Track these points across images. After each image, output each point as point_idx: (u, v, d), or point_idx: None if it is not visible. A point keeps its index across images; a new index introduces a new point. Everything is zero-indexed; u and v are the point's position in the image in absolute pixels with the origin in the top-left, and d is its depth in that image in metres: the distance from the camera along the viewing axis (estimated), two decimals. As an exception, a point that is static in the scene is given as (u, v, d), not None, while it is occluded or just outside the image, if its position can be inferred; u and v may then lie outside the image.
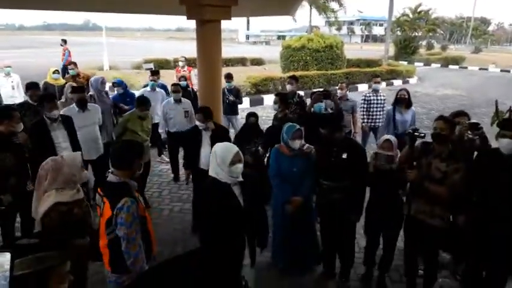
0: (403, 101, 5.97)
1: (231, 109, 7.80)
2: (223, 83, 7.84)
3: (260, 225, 3.13)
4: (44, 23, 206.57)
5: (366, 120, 7.01)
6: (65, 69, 14.96)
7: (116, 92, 6.92)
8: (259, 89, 13.92)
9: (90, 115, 5.24)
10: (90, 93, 6.07)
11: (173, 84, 6.69)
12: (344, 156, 3.73)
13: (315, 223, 4.18)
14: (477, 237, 3.37)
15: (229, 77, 7.78)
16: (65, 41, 15.58)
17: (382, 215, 3.69)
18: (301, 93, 15.33)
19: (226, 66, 22.07)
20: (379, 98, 6.91)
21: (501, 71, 28.31)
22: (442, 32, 55.98)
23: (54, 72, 7.72)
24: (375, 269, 4.04)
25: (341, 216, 3.77)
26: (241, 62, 24.92)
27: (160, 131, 6.64)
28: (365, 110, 6.96)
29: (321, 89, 6.26)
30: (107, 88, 6.44)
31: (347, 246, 3.97)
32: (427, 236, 3.48)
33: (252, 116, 5.17)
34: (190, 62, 10.27)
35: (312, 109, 5.61)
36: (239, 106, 8.13)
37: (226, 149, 2.81)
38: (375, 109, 6.91)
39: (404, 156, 3.52)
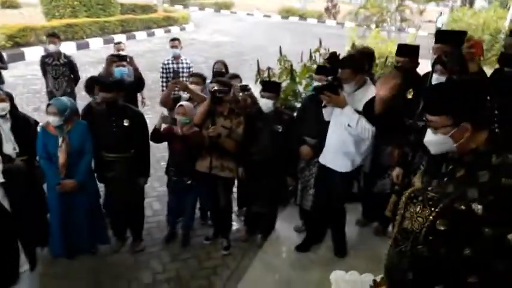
0: (221, 75, 5.11)
1: None
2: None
3: (35, 224, 2.76)
4: None
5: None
6: None
7: None
8: (17, 41, 11.70)
9: None
10: None
11: None
12: (126, 123, 3.64)
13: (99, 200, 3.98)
14: (251, 183, 3.88)
15: None
16: None
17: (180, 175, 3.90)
18: (72, 48, 13.69)
19: (-33, 10, 17.65)
20: (181, 65, 5.87)
21: (264, 16, 31.76)
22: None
23: None
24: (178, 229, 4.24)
25: (128, 185, 3.76)
26: (-12, 4, 20.28)
27: None
28: (165, 80, 5.92)
29: (117, 53, 5.02)
30: None
31: (137, 210, 4.01)
32: (220, 187, 3.90)
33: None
34: None
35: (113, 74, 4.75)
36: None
37: None
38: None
39: (201, 114, 3.68)
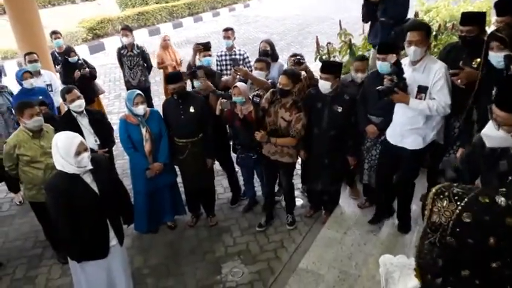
0: (265, 55, 4.86)
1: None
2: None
3: (123, 204, 3.17)
4: None
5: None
6: None
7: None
8: (96, 33, 12.67)
9: None
10: None
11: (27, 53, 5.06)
12: (192, 110, 3.94)
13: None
14: (314, 163, 3.98)
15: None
16: None
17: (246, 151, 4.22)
18: (144, 34, 14.34)
19: (52, 6, 19.32)
20: (234, 56, 5.45)
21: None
22: None
23: None
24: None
25: (201, 164, 4.10)
26: (69, -1, 21.92)
27: None
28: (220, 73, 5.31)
29: (202, 42, 5.00)
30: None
31: (209, 187, 4.40)
32: (281, 171, 4.12)
33: None
34: None
35: (200, 63, 4.96)
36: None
37: (68, 140, 2.66)
38: (230, 72, 5.13)
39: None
